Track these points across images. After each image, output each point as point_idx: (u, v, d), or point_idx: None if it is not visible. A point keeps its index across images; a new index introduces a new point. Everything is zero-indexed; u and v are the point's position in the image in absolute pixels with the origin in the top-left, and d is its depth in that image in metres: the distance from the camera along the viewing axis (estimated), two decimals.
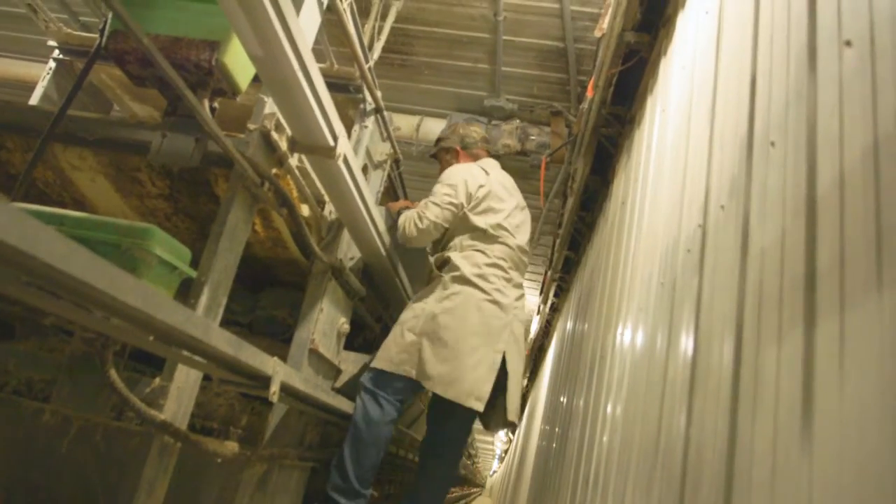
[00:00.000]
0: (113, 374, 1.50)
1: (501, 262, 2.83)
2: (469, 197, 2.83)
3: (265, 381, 1.60)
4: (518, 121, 5.37)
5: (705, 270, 1.37)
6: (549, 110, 5.32)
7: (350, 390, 2.67)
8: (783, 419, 0.84)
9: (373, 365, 2.58)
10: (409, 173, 4.24)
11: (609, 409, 2.37)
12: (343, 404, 2.47)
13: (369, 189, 2.36)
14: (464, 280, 2.68)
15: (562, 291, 6.31)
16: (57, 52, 2.88)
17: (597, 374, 2.84)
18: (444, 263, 2.76)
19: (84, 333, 1.59)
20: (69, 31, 2.97)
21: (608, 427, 2.33)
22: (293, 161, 1.97)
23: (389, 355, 2.57)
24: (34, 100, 2.76)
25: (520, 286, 2.94)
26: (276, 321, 2.60)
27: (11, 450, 2.06)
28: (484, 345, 2.64)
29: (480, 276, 2.71)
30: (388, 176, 3.17)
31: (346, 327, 2.64)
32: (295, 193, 2.10)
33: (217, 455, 1.74)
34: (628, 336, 2.25)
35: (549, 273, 6.56)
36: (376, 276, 2.96)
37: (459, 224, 2.82)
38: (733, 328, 1.11)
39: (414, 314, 2.64)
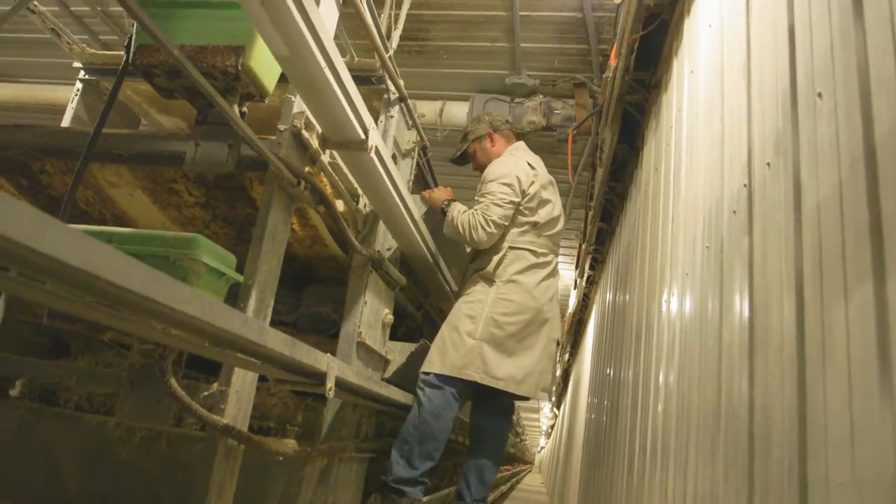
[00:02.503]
0: (173, 383, 1.53)
1: (548, 255, 2.90)
2: (523, 193, 2.85)
3: (320, 377, 1.62)
4: (541, 96, 5.31)
5: (755, 230, 1.35)
6: (572, 83, 5.25)
7: (400, 380, 2.70)
8: (858, 374, 0.82)
9: (436, 371, 2.61)
10: (436, 159, 4.22)
11: (661, 378, 2.35)
12: (395, 394, 2.49)
13: (402, 178, 2.36)
14: (518, 280, 2.75)
15: (597, 263, 6.27)
16: (83, 72, 2.92)
17: (644, 343, 2.82)
18: (497, 263, 2.77)
19: (142, 346, 1.62)
20: (93, 51, 3.01)
21: (662, 396, 2.31)
22: (325, 158, 1.97)
23: (452, 361, 2.61)
24: (65, 122, 2.81)
25: (556, 271, 2.98)
26: (320, 318, 2.63)
27: (79, 461, 2.13)
28: (543, 337, 2.77)
29: (532, 272, 2.77)
30: (417, 164, 3.17)
31: (390, 318, 2.66)
32: (329, 190, 2.11)
33: (278, 453, 1.77)
34: (675, 303, 2.23)
35: (583, 246, 6.52)
36: (414, 264, 2.97)
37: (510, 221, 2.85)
38: (792, 287, 1.09)
39: (471, 318, 2.68)
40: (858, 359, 0.82)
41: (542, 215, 2.89)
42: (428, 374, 2.62)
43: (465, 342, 2.62)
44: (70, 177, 2.30)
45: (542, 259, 2.85)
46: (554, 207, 2.98)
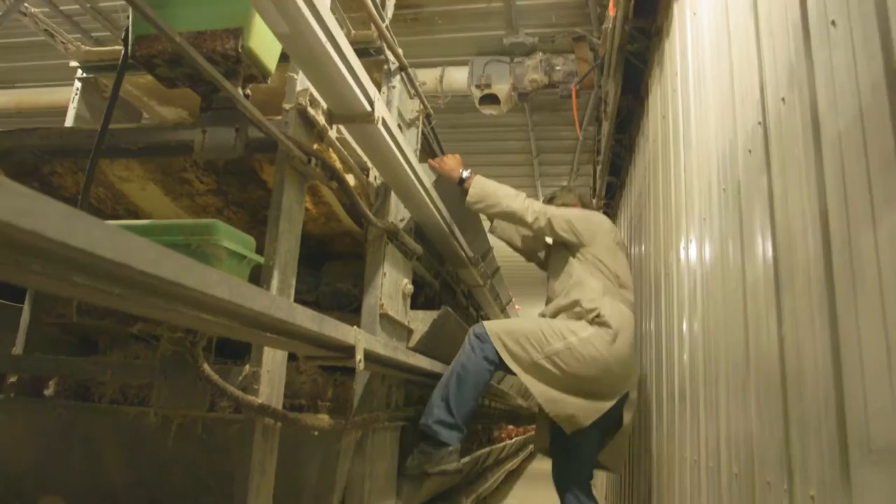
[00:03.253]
0: (206, 368, 1.55)
1: None
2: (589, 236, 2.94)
3: (349, 351, 1.64)
4: (541, 54, 5.24)
5: (773, 167, 1.34)
6: (571, 37, 5.16)
7: (424, 348, 2.72)
8: (891, 297, 0.82)
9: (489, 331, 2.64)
10: (440, 127, 4.20)
11: (685, 327, 2.36)
12: (422, 362, 2.52)
13: (410, 148, 2.35)
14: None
15: (609, 218, 6.24)
16: (80, 71, 2.91)
17: (664, 293, 2.82)
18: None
19: (172, 335, 1.65)
20: (88, 48, 3.00)
21: (687, 345, 2.32)
22: (333, 133, 1.97)
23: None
24: (69, 122, 2.81)
25: None
26: (341, 294, 2.64)
27: (120, 453, 2.17)
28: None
29: None
30: (422, 132, 3.15)
31: (410, 287, 2.67)
32: (339, 165, 2.11)
33: (314, 428, 1.80)
34: (694, 249, 2.22)
35: (594, 201, 6.49)
36: (429, 233, 2.97)
37: None
38: (817, 220, 1.08)
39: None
40: (891, 282, 0.82)
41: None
42: (479, 329, 2.63)
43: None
44: (81, 176, 2.31)
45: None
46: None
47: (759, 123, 1.42)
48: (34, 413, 2.27)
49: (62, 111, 3.02)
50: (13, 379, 2.38)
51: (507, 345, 2.58)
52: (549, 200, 3.21)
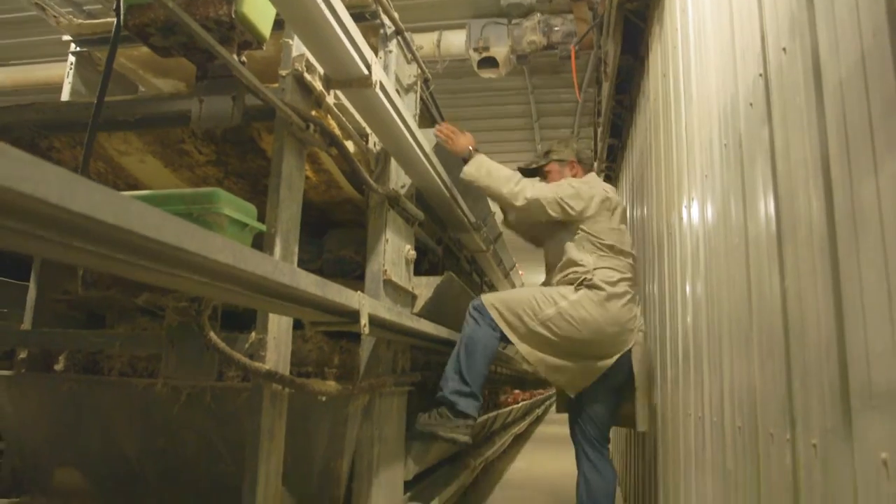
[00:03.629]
0: (213, 336, 1.57)
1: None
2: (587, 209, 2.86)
3: (354, 315, 1.65)
4: (539, 14, 5.16)
5: (774, 119, 1.32)
6: None
7: (428, 313, 2.74)
8: (893, 242, 0.82)
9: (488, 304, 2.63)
10: (439, 92, 4.16)
11: (689, 286, 2.37)
12: (427, 327, 2.54)
13: (409, 112, 2.33)
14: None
15: (610, 181, 6.22)
16: (73, 45, 2.88)
17: (667, 254, 2.82)
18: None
19: (177, 304, 1.66)
20: (80, 21, 2.96)
21: (691, 305, 2.33)
22: (330, 99, 1.95)
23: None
24: (64, 97, 2.79)
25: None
26: (344, 261, 2.65)
27: (131, 425, 2.21)
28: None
29: None
30: (421, 98, 3.12)
31: (413, 253, 2.68)
32: (338, 132, 2.10)
33: (322, 393, 1.82)
34: (696, 207, 2.22)
35: (595, 164, 6.46)
36: (430, 198, 2.97)
37: None
38: (818, 170, 1.07)
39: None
40: (892, 227, 0.82)
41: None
42: (484, 301, 2.64)
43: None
44: (79, 150, 2.30)
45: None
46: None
47: (760, 75, 1.40)
48: (45, 388, 2.30)
49: (57, 88, 3.00)
50: (23, 355, 2.41)
51: (504, 315, 2.59)
52: (546, 154, 3.16)
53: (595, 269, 2.69)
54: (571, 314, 2.57)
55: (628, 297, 2.74)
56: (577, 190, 2.82)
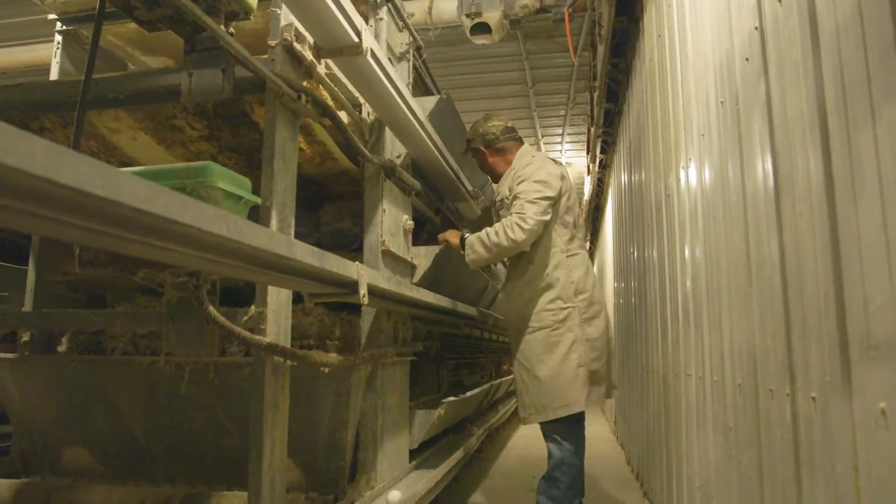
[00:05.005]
0: (212, 310, 1.57)
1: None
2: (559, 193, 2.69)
3: (352, 286, 1.64)
4: None
5: (771, 72, 1.31)
6: None
7: (428, 283, 2.73)
8: (891, 191, 0.81)
9: (554, 418, 2.55)
10: (431, 61, 4.10)
11: (687, 252, 2.36)
12: (427, 297, 2.54)
13: (402, 81, 2.30)
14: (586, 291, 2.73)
15: (608, 146, 6.18)
16: (59, 24, 2.83)
17: (665, 218, 2.81)
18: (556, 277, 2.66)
19: (175, 280, 1.66)
20: None
21: (690, 268, 2.33)
22: (322, 69, 1.93)
23: (568, 399, 2.54)
24: (53, 77, 2.76)
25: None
26: (342, 234, 2.64)
27: (137, 401, 2.22)
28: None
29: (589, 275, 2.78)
30: (414, 66, 3.08)
31: (410, 223, 2.67)
32: (330, 102, 2.07)
33: (324, 364, 1.82)
34: (693, 168, 2.20)
35: (592, 130, 6.41)
36: (426, 168, 2.95)
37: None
38: (815, 121, 1.06)
39: (573, 346, 2.59)
40: (891, 176, 0.81)
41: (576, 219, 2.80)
42: (553, 427, 2.59)
43: (579, 374, 2.55)
44: (71, 130, 2.27)
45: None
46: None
47: (756, 28, 1.38)
48: (50, 369, 2.31)
49: (44, 69, 2.96)
50: (26, 338, 2.41)
51: (539, 414, 2.58)
52: (468, 142, 2.96)
53: (555, 271, 2.69)
54: (551, 355, 2.64)
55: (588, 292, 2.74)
56: (542, 189, 2.62)
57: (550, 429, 2.58)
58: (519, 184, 2.63)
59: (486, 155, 2.90)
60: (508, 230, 2.53)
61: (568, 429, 2.57)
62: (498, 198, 2.83)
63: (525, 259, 2.68)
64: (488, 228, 2.62)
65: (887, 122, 0.82)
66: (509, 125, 2.94)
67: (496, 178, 2.93)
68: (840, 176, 0.98)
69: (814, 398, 1.13)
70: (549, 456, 2.60)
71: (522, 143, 2.94)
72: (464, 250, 2.67)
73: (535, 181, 2.61)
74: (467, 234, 2.69)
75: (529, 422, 2.63)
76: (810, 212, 1.10)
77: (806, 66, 1.09)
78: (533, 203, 2.55)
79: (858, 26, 0.89)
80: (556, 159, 2.94)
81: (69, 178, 0.70)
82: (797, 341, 1.21)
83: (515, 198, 2.61)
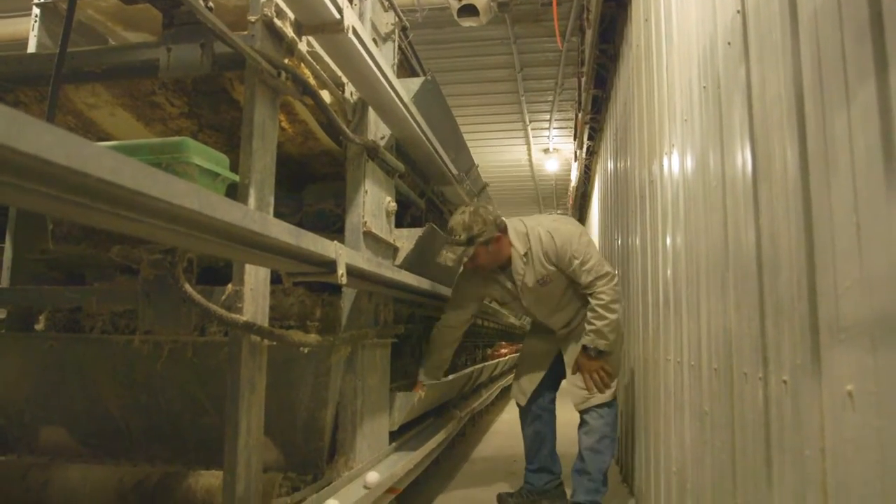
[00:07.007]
0: (188, 287, 1.55)
1: None
2: None
3: (331, 265, 1.63)
4: None
5: (751, 56, 1.30)
6: None
7: (410, 265, 2.73)
8: (862, 175, 0.82)
9: (611, 399, 2.90)
10: (419, 43, 4.07)
11: (669, 240, 2.37)
12: (408, 278, 2.53)
13: (386, 61, 2.27)
14: None
15: (595, 133, 6.18)
16: None
17: (649, 204, 2.82)
18: None
19: (150, 257, 1.63)
20: None
21: (671, 256, 2.34)
22: (303, 47, 1.90)
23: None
24: (31, 50, 2.70)
25: None
26: (324, 214, 2.62)
27: (115, 381, 2.21)
28: None
29: None
30: (399, 47, 3.05)
31: (393, 205, 2.65)
32: (312, 81, 2.05)
33: (302, 344, 1.81)
34: (676, 154, 2.20)
35: (579, 116, 6.40)
36: (411, 150, 2.93)
37: None
38: (792, 106, 1.06)
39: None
40: (862, 159, 0.82)
41: None
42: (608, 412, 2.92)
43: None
44: (46, 104, 2.24)
45: None
46: None
47: (738, 12, 1.38)
48: (27, 347, 2.28)
49: (23, 44, 2.90)
50: (2, 316, 2.38)
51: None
52: (470, 240, 2.70)
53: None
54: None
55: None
56: (586, 246, 2.82)
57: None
58: (574, 252, 2.78)
59: (501, 238, 2.81)
60: (609, 311, 2.78)
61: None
62: (536, 278, 2.86)
63: (579, 301, 2.97)
64: (595, 318, 2.79)
65: (861, 103, 0.82)
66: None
67: (505, 260, 2.87)
68: (815, 160, 0.98)
69: (785, 381, 1.13)
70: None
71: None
72: (602, 350, 2.84)
73: (585, 242, 2.84)
74: (589, 345, 2.84)
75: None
76: (786, 196, 1.10)
77: (785, 49, 1.09)
78: (604, 276, 2.79)
79: (836, 7, 0.89)
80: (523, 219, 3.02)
81: (30, 146, 0.68)
82: (771, 325, 1.21)
83: (584, 268, 2.79)
